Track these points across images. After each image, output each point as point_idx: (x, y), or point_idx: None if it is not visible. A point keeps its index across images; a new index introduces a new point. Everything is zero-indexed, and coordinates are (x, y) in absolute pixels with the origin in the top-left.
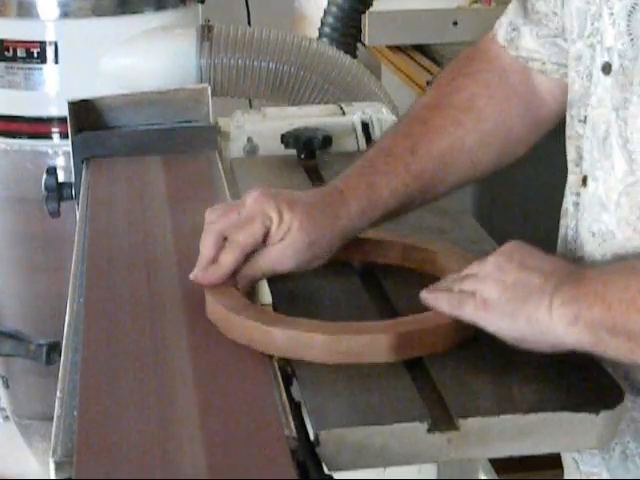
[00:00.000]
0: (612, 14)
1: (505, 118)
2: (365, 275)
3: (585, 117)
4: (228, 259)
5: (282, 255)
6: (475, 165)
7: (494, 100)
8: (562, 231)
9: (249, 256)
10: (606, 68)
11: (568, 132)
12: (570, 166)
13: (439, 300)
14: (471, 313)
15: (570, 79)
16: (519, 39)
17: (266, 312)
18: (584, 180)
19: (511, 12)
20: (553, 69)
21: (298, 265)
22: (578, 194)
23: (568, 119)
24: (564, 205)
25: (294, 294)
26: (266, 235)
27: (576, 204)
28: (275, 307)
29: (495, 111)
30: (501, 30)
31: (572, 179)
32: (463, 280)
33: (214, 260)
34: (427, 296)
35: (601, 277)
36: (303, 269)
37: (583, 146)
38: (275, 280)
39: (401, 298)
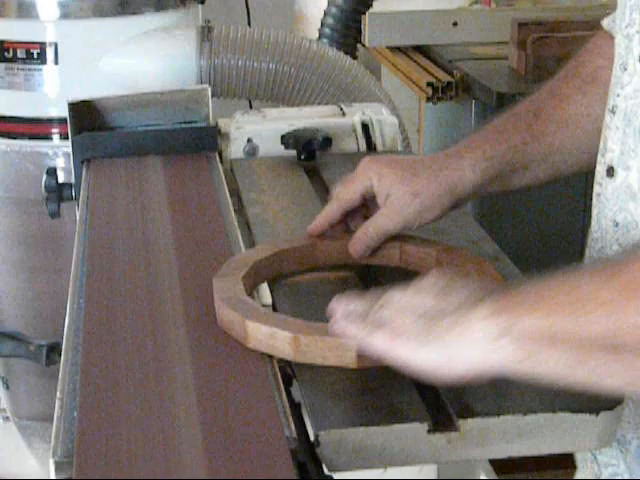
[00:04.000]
0: None
1: None
2: (366, 277)
3: (613, 107)
4: (328, 209)
5: (391, 211)
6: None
7: None
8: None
9: (357, 216)
10: None
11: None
12: (598, 156)
13: (348, 329)
14: (379, 345)
15: (614, 70)
16: (614, 26)
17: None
18: (609, 171)
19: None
20: None
21: (407, 219)
22: (600, 184)
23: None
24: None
25: (296, 296)
26: (367, 194)
27: (598, 194)
28: (275, 309)
29: None
30: (607, 17)
31: (598, 169)
32: (379, 309)
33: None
34: (335, 325)
35: (539, 284)
36: (413, 225)
37: (609, 136)
38: (276, 282)
39: None
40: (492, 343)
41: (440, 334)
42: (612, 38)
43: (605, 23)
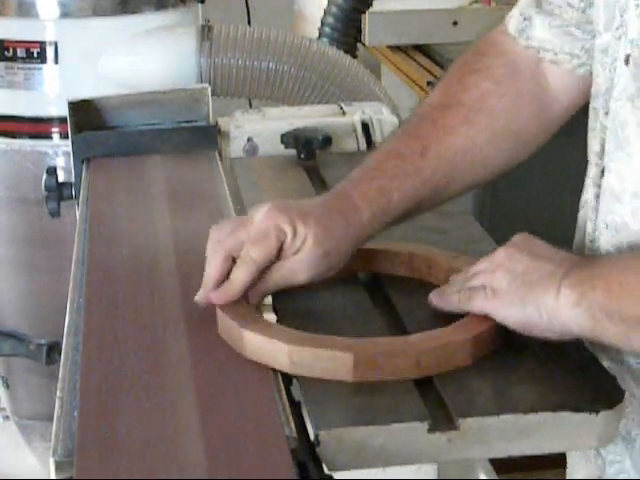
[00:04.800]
0: (638, 5)
1: (517, 116)
2: (372, 286)
3: (609, 109)
4: (242, 276)
5: (297, 268)
6: (486, 165)
7: (505, 98)
8: (580, 223)
9: (263, 271)
10: (627, 59)
11: (591, 125)
12: (592, 158)
13: (448, 299)
14: (481, 304)
15: (595, 71)
16: (530, 29)
17: (282, 329)
18: (602, 172)
19: (523, 3)
20: (565, 59)
21: (313, 276)
22: (599, 186)
23: (591, 112)
24: (584, 197)
25: (299, 306)
26: (280, 249)
27: (597, 196)
28: (279, 319)
29: (506, 109)
30: (512, 21)
31: (594, 171)
32: (472, 277)
33: (222, 279)
34: (436, 299)
35: (610, 262)
36: (317, 280)
37: (607, 138)
38: (280, 292)
39: (408, 308)
40: (571, 310)
41: (537, 297)
42: (505, 53)
43: (512, 26)
